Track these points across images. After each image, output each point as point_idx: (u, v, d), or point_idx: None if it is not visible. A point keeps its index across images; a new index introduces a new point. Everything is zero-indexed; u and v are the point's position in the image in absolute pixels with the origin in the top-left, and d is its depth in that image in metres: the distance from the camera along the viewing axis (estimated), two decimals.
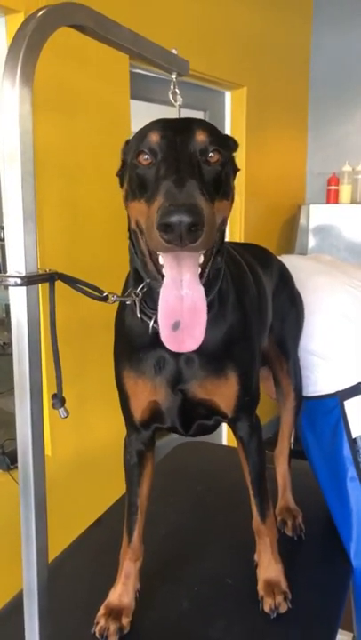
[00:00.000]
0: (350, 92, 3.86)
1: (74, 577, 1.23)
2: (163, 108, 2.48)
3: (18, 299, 0.75)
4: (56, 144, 1.92)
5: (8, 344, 2.32)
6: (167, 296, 0.80)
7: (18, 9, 1.76)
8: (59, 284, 0.83)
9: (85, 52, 1.93)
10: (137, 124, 2.26)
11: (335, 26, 3.85)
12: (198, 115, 2.99)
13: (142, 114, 2.41)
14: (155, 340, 0.94)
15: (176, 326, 0.80)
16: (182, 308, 0.79)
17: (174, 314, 0.80)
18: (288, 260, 1.50)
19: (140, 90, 2.38)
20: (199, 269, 0.82)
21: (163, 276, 0.81)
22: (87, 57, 1.96)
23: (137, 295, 0.92)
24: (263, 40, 3.31)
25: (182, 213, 0.68)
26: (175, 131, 0.82)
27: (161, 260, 0.81)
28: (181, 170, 0.75)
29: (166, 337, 0.81)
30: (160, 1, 2.38)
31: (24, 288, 0.75)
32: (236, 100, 3.17)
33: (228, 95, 3.18)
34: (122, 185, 0.92)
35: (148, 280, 0.91)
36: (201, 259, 0.82)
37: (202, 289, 0.81)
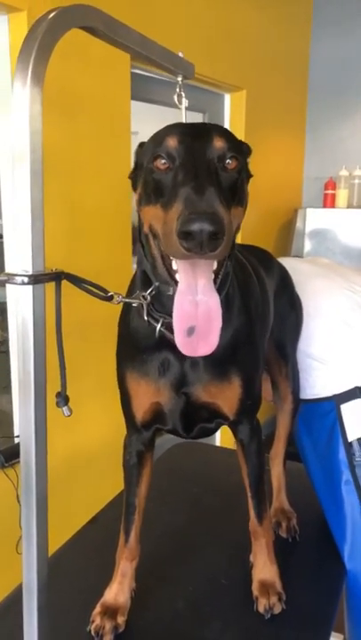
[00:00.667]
0: (348, 97, 3.89)
1: (70, 575, 1.24)
2: (163, 109, 2.50)
3: (24, 297, 0.75)
4: (57, 144, 1.93)
5: (1, 342, 2.32)
6: (182, 302, 0.80)
7: (21, 7, 1.76)
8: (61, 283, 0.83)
9: (87, 53, 1.94)
10: (137, 125, 2.28)
11: (334, 31, 3.87)
12: (197, 117, 3.00)
13: (143, 114, 2.41)
14: (160, 342, 0.95)
15: (191, 332, 0.80)
16: (197, 314, 0.79)
17: (189, 319, 0.80)
18: (286, 263, 1.51)
19: (141, 91, 2.39)
20: (213, 275, 0.82)
21: (176, 282, 0.81)
22: (88, 57, 1.96)
23: (145, 298, 0.92)
24: (263, 43, 3.33)
25: (204, 222, 0.67)
26: (193, 136, 0.81)
27: (174, 266, 0.81)
28: (200, 176, 0.75)
29: (181, 342, 0.81)
30: (161, 4, 2.39)
31: (30, 287, 0.75)
32: (236, 102, 3.19)
33: (227, 97, 3.19)
34: (135, 188, 0.91)
35: (157, 283, 0.91)
36: (215, 265, 0.82)
37: (217, 295, 0.81)
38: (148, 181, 0.83)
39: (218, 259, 0.77)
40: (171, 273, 0.83)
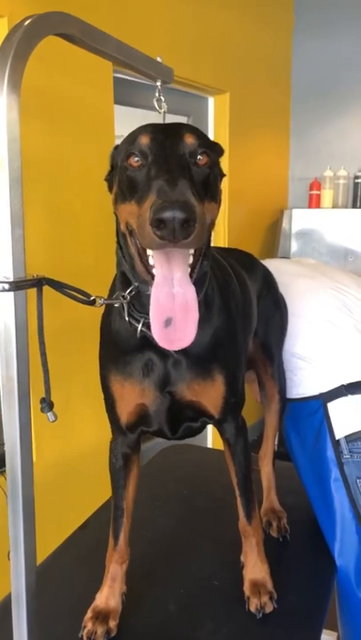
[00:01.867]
0: (331, 98, 3.92)
1: (60, 580, 1.24)
2: (146, 113, 2.51)
3: (5, 304, 0.76)
4: (40, 149, 1.93)
5: None
6: (158, 294, 0.81)
7: (2, 14, 1.76)
8: (44, 288, 0.83)
9: (69, 58, 1.94)
10: (121, 129, 2.28)
11: (316, 33, 3.90)
12: (182, 120, 3.01)
13: (126, 119, 2.42)
14: (142, 343, 0.95)
15: (168, 323, 0.80)
16: (174, 306, 0.80)
17: (166, 311, 0.80)
18: (272, 264, 1.52)
19: (124, 95, 2.39)
20: (189, 269, 0.83)
21: (153, 277, 0.82)
22: (71, 62, 1.96)
23: (125, 298, 0.93)
24: (246, 46, 3.35)
25: (175, 209, 0.69)
26: (165, 134, 0.84)
27: (151, 261, 0.82)
28: (172, 170, 0.77)
29: (158, 334, 0.81)
30: (144, 8, 2.40)
31: (12, 293, 0.75)
32: (220, 105, 3.20)
33: (211, 101, 3.21)
34: (110, 189, 0.93)
35: (136, 283, 0.92)
36: (190, 259, 0.83)
37: (193, 287, 0.82)
38: (123, 179, 0.85)
39: (192, 247, 0.78)
40: (148, 268, 0.84)
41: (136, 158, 0.82)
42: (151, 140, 0.82)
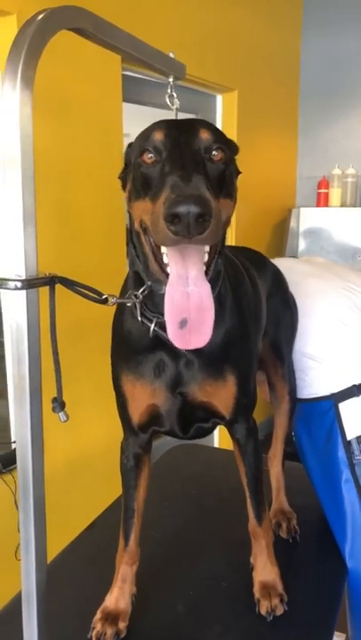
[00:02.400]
0: (340, 96, 3.90)
1: (69, 581, 1.23)
2: (155, 111, 2.50)
3: (18, 302, 0.75)
4: (48, 147, 1.92)
5: None
6: (173, 293, 0.79)
7: (10, 11, 1.75)
8: (55, 287, 0.82)
9: (77, 55, 1.93)
10: (129, 127, 2.27)
11: (324, 31, 3.88)
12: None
13: (135, 116, 2.41)
14: (155, 343, 0.94)
15: (183, 324, 0.79)
16: (189, 306, 0.79)
17: (181, 311, 0.79)
18: (282, 263, 1.51)
19: (132, 92, 2.38)
20: (204, 267, 0.81)
21: (167, 275, 0.81)
22: (79, 60, 1.96)
23: (137, 297, 0.91)
24: (254, 44, 3.33)
25: (190, 203, 0.67)
26: (179, 129, 0.82)
27: (165, 259, 0.81)
28: (187, 166, 0.75)
29: (173, 335, 0.80)
30: (153, 5, 2.39)
31: (24, 292, 0.74)
32: (228, 103, 3.19)
33: (219, 98, 3.19)
34: (124, 187, 0.91)
35: (149, 283, 0.91)
36: (206, 257, 0.82)
37: (208, 286, 0.80)
38: (137, 176, 0.84)
39: (207, 243, 0.76)
40: (162, 267, 0.83)
41: (150, 154, 0.81)
42: (165, 136, 0.81)
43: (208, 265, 0.84)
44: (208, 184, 0.75)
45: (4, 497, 1.80)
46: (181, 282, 0.79)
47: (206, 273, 0.82)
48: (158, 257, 0.83)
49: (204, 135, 0.82)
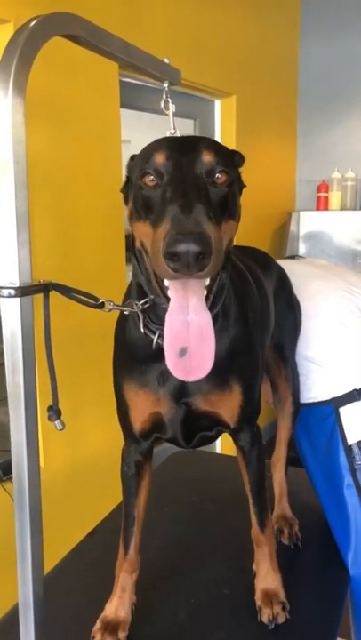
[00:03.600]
0: (338, 100, 3.90)
1: (68, 590, 1.22)
2: (153, 117, 2.49)
3: (12, 310, 0.74)
4: (46, 153, 1.92)
5: None
6: (173, 322, 0.78)
7: (7, 19, 1.75)
8: (51, 294, 0.82)
9: (75, 61, 1.94)
10: (128, 133, 2.28)
11: (322, 35, 3.89)
12: (188, 123, 3.00)
13: (133, 122, 2.41)
14: (158, 353, 0.93)
15: (183, 353, 0.77)
16: (188, 335, 0.77)
17: (180, 340, 0.78)
18: (284, 265, 1.50)
19: (130, 98, 2.38)
20: (205, 292, 0.80)
21: (168, 299, 0.80)
22: (77, 65, 1.96)
23: (137, 306, 0.90)
24: (252, 49, 3.34)
25: (190, 242, 0.66)
26: (181, 151, 0.80)
27: (166, 283, 0.80)
28: (188, 193, 0.74)
29: (173, 365, 0.79)
30: (150, 10, 2.39)
31: (18, 299, 0.74)
32: (226, 108, 3.19)
33: (217, 104, 3.19)
34: (126, 202, 0.90)
35: (152, 296, 0.90)
36: (207, 282, 0.81)
37: (209, 314, 0.79)
38: (138, 198, 0.82)
39: (206, 277, 0.75)
40: (163, 290, 0.81)
41: (151, 177, 0.79)
42: (167, 159, 0.79)
43: (209, 289, 0.83)
44: (210, 212, 0.73)
45: (5, 505, 1.79)
46: (181, 311, 0.77)
47: (207, 297, 0.81)
48: (159, 278, 0.81)
49: (207, 158, 0.79)
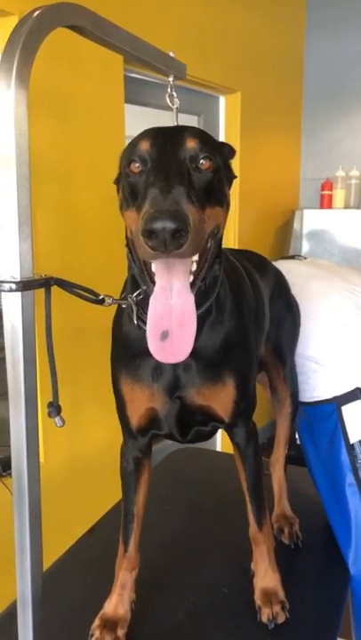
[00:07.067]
0: (343, 98, 3.88)
1: (67, 587, 1.21)
2: (157, 112, 2.48)
3: (13, 304, 0.73)
4: (50, 147, 1.91)
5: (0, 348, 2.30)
6: (156, 305, 0.79)
7: (12, 12, 1.74)
8: (53, 289, 0.81)
9: (79, 55, 1.92)
10: (131, 128, 2.26)
11: (328, 32, 3.87)
12: (192, 119, 2.98)
13: (137, 118, 2.40)
14: None
15: (164, 336, 0.78)
16: (171, 318, 0.78)
17: (162, 323, 0.78)
18: (284, 265, 1.49)
19: (135, 93, 2.37)
20: (191, 277, 0.81)
21: (155, 284, 0.80)
22: (81, 60, 1.95)
23: (131, 298, 0.91)
24: (257, 45, 3.32)
25: (165, 219, 0.67)
26: (166, 139, 0.81)
27: (153, 268, 0.80)
28: (169, 177, 0.75)
29: (154, 347, 0.80)
30: (155, 5, 2.38)
31: (19, 294, 0.73)
32: (231, 104, 3.17)
33: (222, 100, 3.18)
34: (118, 193, 0.91)
35: (144, 287, 0.90)
36: (194, 266, 0.81)
37: (192, 298, 0.80)
38: (125, 186, 0.84)
39: (186, 257, 0.75)
40: (151, 276, 0.82)
41: (136, 164, 0.81)
42: (151, 146, 0.80)
43: (196, 275, 0.83)
44: (192, 195, 0.74)
45: (4, 500, 1.78)
46: (164, 294, 0.79)
47: (194, 282, 0.82)
48: (147, 265, 0.83)
49: (191, 144, 0.81)
